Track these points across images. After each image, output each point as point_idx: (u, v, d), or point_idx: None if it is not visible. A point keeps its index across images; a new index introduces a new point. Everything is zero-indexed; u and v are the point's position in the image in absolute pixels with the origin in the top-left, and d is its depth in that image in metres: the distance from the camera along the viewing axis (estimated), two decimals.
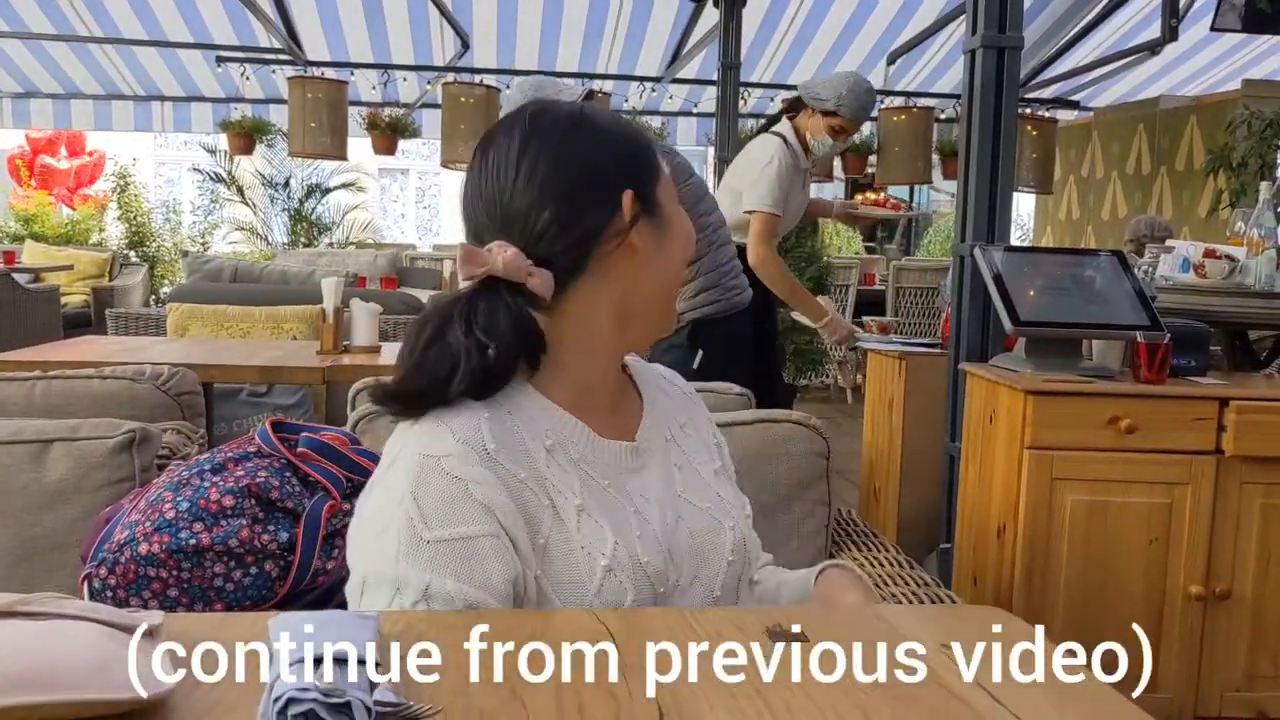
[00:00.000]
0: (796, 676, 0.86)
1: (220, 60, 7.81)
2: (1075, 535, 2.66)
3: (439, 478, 1.03)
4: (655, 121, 8.81)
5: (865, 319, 5.55)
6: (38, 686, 0.72)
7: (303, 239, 11.22)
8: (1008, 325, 2.74)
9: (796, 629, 0.96)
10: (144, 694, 0.75)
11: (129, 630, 0.83)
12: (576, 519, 1.07)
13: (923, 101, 8.41)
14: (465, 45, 7.49)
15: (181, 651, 0.86)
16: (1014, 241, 3.41)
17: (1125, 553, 2.68)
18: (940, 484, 3.42)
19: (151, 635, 0.85)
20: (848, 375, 8.14)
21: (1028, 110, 8.21)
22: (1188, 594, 2.68)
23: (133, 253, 10.50)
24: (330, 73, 7.69)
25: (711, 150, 7.27)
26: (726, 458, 1.34)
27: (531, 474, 1.07)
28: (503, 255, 1.07)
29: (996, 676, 0.87)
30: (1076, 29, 7.34)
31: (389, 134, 8.15)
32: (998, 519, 2.77)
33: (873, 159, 8.69)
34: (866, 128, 8.82)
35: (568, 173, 1.11)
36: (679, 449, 1.24)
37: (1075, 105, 8.76)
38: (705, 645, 0.92)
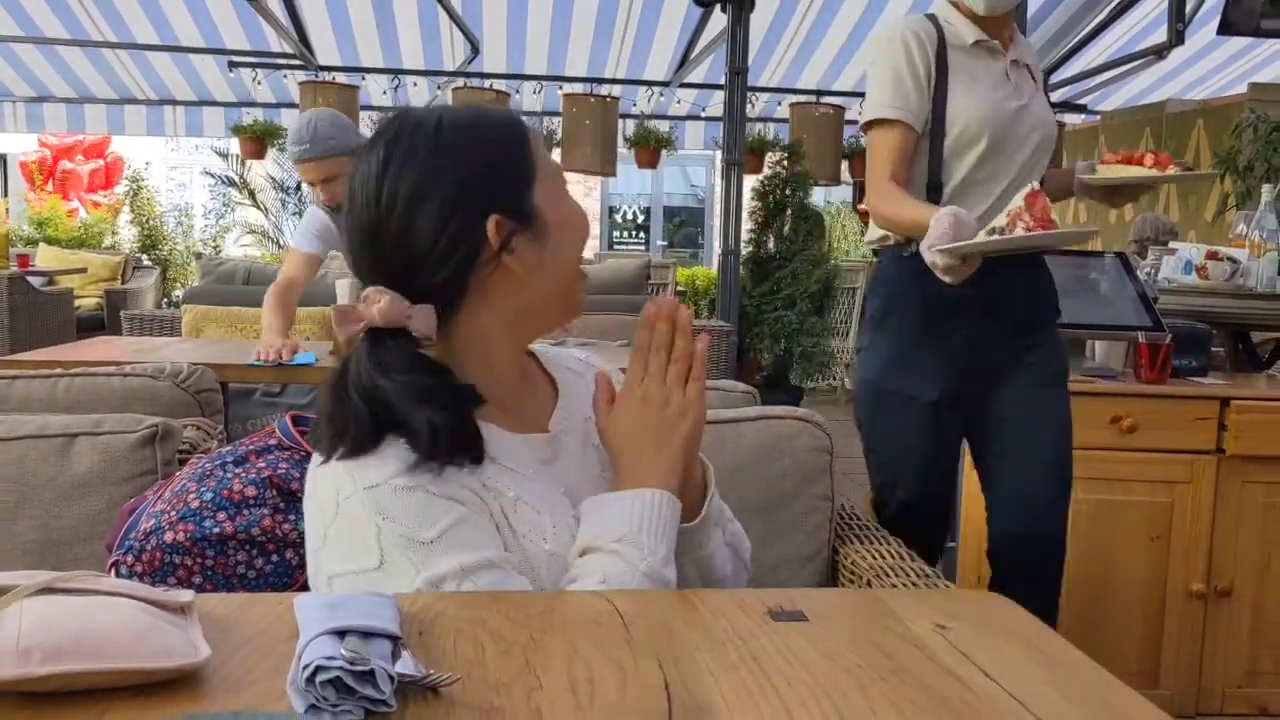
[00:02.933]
0: (796, 653, 0.90)
1: (232, 65, 7.88)
2: (1077, 533, 2.69)
3: (396, 495, 1.04)
4: (663, 125, 8.86)
5: None
6: (81, 655, 0.77)
7: None
8: None
9: (797, 609, 1.00)
10: (183, 662, 0.79)
11: (163, 606, 0.87)
12: (515, 510, 1.11)
13: None
14: (475, 50, 7.55)
15: (211, 627, 0.91)
16: None
17: (1127, 550, 2.71)
18: None
19: (183, 612, 0.89)
20: (854, 378, 8.17)
21: None
22: (1189, 591, 2.71)
23: (145, 256, 10.56)
24: (341, 77, 7.75)
25: (719, 154, 7.30)
26: None
27: (469, 479, 1.09)
28: (377, 305, 1.07)
29: (992, 657, 0.91)
30: (1083, 33, 7.37)
31: None
32: None
33: None
34: None
35: (428, 203, 1.08)
36: (593, 429, 1.23)
37: (1082, 109, 8.78)
38: (708, 623, 0.96)
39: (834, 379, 8.13)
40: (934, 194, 2.20)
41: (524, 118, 1.22)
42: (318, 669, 0.75)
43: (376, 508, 1.04)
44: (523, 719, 0.77)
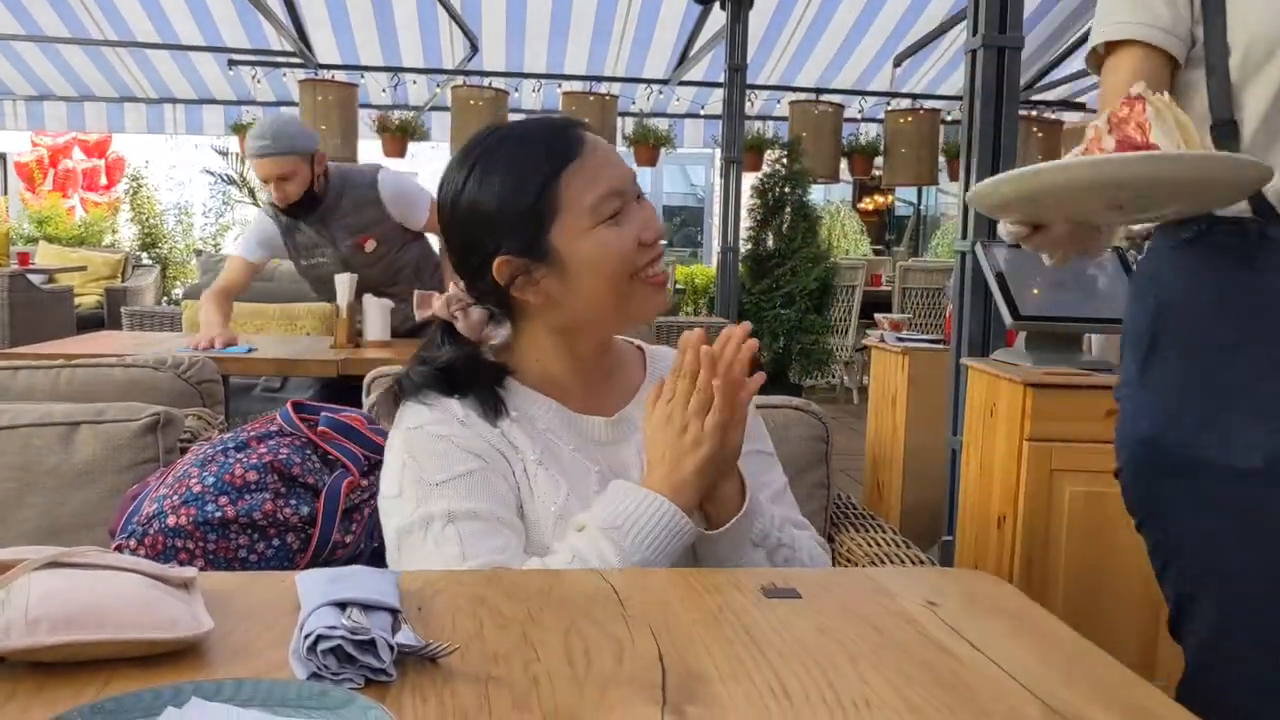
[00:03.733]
0: (789, 628, 0.91)
1: (232, 63, 7.89)
2: (1074, 525, 2.70)
3: (426, 440, 1.21)
4: (662, 124, 8.87)
5: (878, 316, 5.59)
6: (88, 626, 0.79)
7: None
8: (1008, 320, 2.80)
9: (790, 587, 1.02)
10: (187, 634, 0.81)
11: (167, 581, 0.89)
12: (535, 471, 1.22)
13: (930, 103, 8.45)
14: (474, 48, 7.56)
15: (214, 603, 0.92)
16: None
17: (1123, 542, 2.72)
18: (942, 477, 3.47)
19: (187, 587, 0.91)
20: (854, 375, 8.19)
21: (1033, 112, 8.25)
22: None
23: (145, 254, 10.58)
24: (340, 75, 7.76)
25: (718, 153, 7.32)
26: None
27: (499, 438, 1.23)
28: (440, 301, 1.29)
29: (979, 630, 0.93)
30: (1082, 31, 7.38)
31: (399, 137, 8.22)
32: (998, 510, 2.82)
33: (879, 160, 8.73)
34: (873, 129, 8.88)
35: (463, 225, 1.25)
36: None
37: (1081, 108, 8.79)
38: (704, 600, 0.98)
39: (833, 377, 8.14)
40: (1228, 139, 1.35)
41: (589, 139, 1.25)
42: (319, 638, 0.77)
43: (408, 447, 1.21)
44: (520, 688, 0.78)
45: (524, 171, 1.20)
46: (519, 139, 1.23)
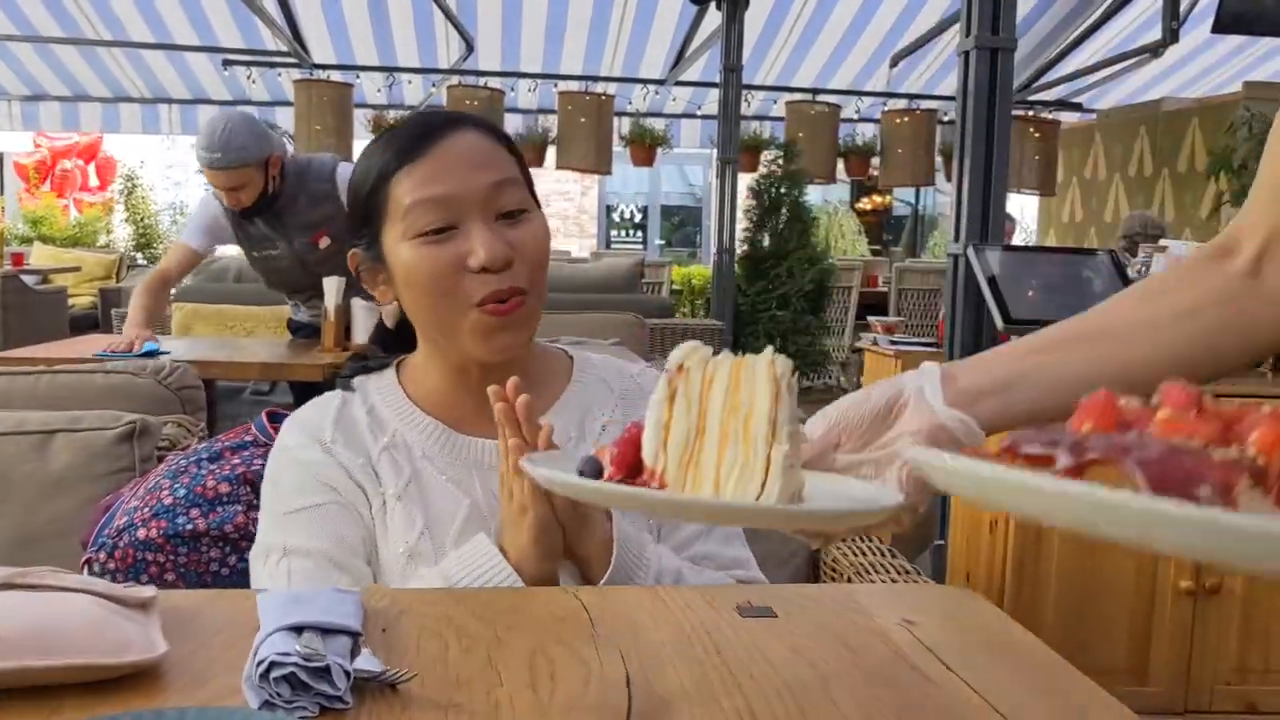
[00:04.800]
0: (762, 649, 0.89)
1: (227, 63, 7.87)
2: (1065, 532, 2.68)
3: (288, 464, 1.19)
4: (659, 124, 8.86)
5: (871, 319, 5.57)
6: (36, 650, 0.76)
7: None
8: (1000, 323, 2.78)
9: (766, 605, 0.99)
10: (138, 658, 0.79)
11: (123, 602, 0.87)
12: (392, 507, 1.16)
13: (926, 104, 8.44)
14: (469, 48, 7.54)
15: (174, 623, 0.90)
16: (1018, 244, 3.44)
17: (1116, 549, 2.70)
18: None
19: (144, 608, 0.89)
20: (850, 376, 8.17)
21: (1030, 112, 8.24)
22: (1178, 588, 2.71)
23: (140, 255, 10.55)
24: (336, 75, 7.75)
25: (715, 153, 7.30)
26: None
27: (365, 462, 1.18)
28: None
29: (956, 651, 0.91)
30: (1078, 31, 7.37)
31: None
32: (989, 515, 2.80)
33: (876, 161, 8.72)
34: (869, 130, 8.86)
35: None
36: (579, 448, 1.18)
37: (1078, 107, 8.78)
38: (676, 619, 0.96)
39: (829, 378, 8.12)
40: None
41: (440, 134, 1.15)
42: (272, 664, 0.74)
43: (273, 468, 1.20)
44: (481, 716, 0.76)
45: (371, 165, 1.17)
46: (393, 131, 1.20)
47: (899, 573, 1.57)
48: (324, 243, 3.36)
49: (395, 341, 1.29)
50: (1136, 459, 0.44)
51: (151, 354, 3.07)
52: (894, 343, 4.17)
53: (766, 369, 0.73)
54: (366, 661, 0.80)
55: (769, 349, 0.76)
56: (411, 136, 1.15)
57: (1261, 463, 0.45)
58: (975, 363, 0.88)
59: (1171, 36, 6.33)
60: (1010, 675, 0.87)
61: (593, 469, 0.76)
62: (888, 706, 0.79)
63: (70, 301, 7.74)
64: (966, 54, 3.24)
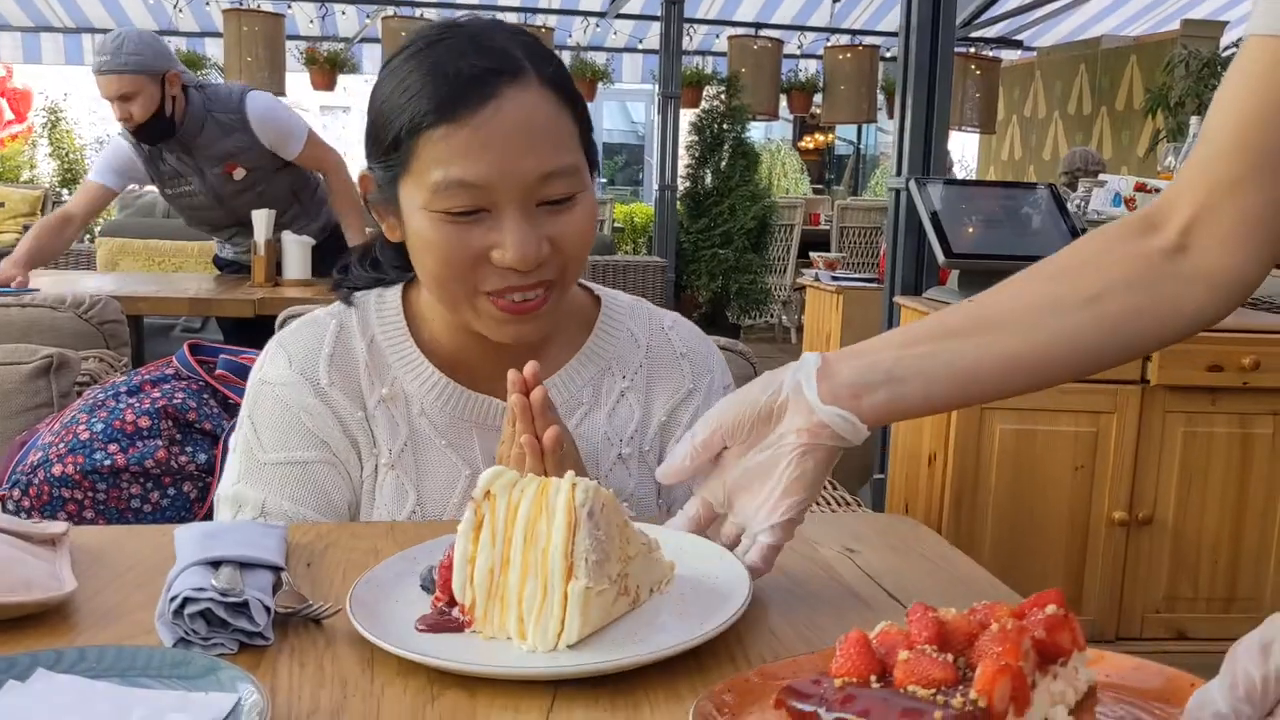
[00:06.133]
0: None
1: None
2: (1004, 463, 2.71)
3: (273, 405, 1.06)
4: (600, 58, 8.72)
5: (813, 255, 5.57)
6: None
7: None
8: (941, 258, 2.78)
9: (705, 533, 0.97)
10: (43, 596, 0.75)
11: (29, 539, 0.82)
12: (384, 475, 1.06)
13: (868, 39, 8.39)
14: None
15: (87, 560, 0.86)
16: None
17: (1052, 480, 2.74)
18: None
19: (53, 544, 0.84)
20: (792, 314, 8.19)
21: (972, 50, 8.22)
22: (1111, 519, 2.75)
23: (65, 191, 10.23)
24: (267, 5, 7.51)
25: (657, 88, 7.21)
26: (654, 442, 1.13)
27: (363, 416, 1.06)
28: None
29: (897, 577, 0.89)
30: None
31: (328, 69, 8.00)
32: (929, 448, 2.82)
33: (818, 98, 8.67)
34: (812, 65, 8.80)
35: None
36: (592, 416, 1.11)
37: (1019, 45, 8.78)
38: None
39: (771, 316, 8.14)
40: None
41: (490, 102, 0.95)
42: (186, 601, 0.71)
43: (254, 403, 1.07)
44: None
45: (401, 101, 0.97)
46: (433, 63, 0.96)
47: (839, 504, 1.56)
48: (238, 174, 3.20)
49: (403, 247, 1.06)
50: None
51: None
52: (835, 278, 4.16)
53: (565, 498, 0.72)
54: (288, 595, 0.76)
55: (570, 473, 0.75)
56: (457, 85, 0.94)
57: (984, 704, 0.52)
58: (861, 352, 0.83)
59: None
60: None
61: (431, 582, 0.78)
62: (829, 635, 0.77)
63: None
64: None
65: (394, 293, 1.11)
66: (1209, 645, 2.74)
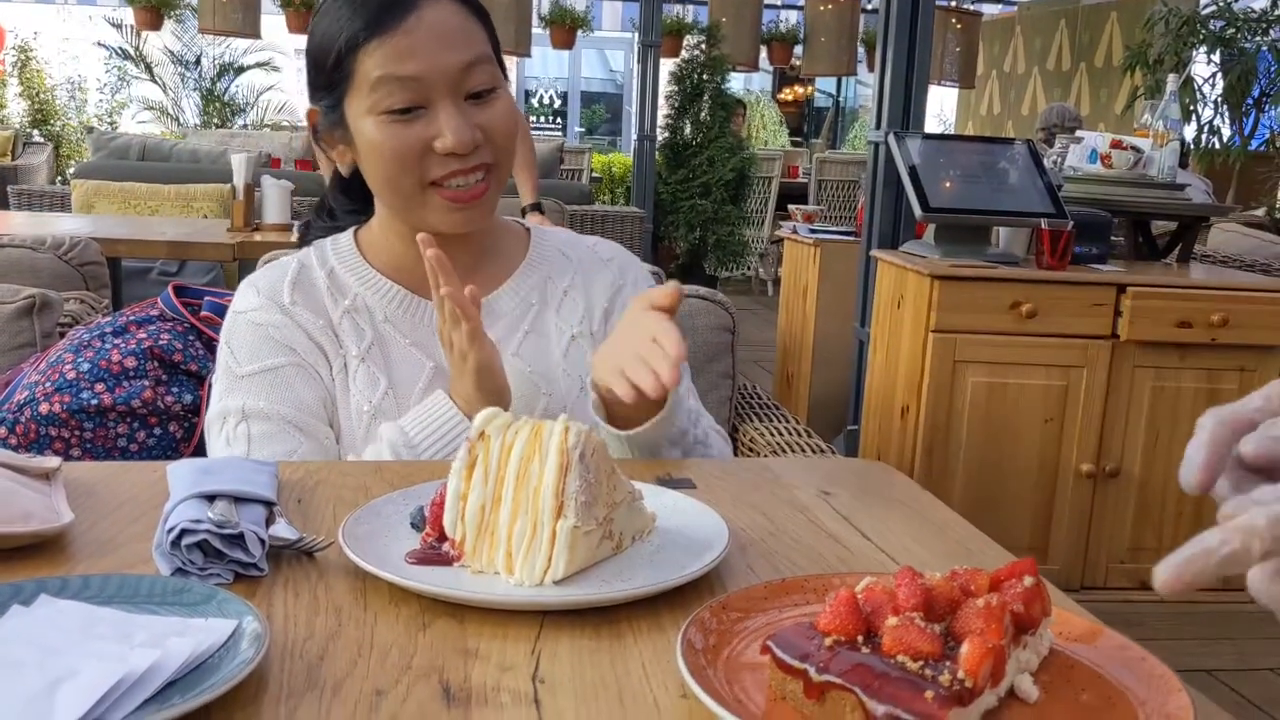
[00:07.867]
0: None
1: None
2: (975, 415, 2.75)
3: (245, 327, 1.16)
4: (580, 4, 8.63)
5: (790, 207, 5.57)
6: None
7: (215, 120, 10.87)
8: (918, 212, 2.80)
9: (686, 477, 1.00)
10: (41, 527, 0.76)
11: (25, 472, 0.84)
12: (355, 368, 1.16)
13: None
14: None
15: (80, 495, 0.88)
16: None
17: (1022, 432, 2.79)
18: (850, 368, 3.50)
19: (48, 478, 0.86)
20: (769, 267, 8.20)
21: (952, 3, 8.19)
22: (1079, 471, 2.81)
23: (36, 131, 10.09)
24: None
25: (636, 36, 7.15)
26: (600, 325, 1.26)
27: (326, 324, 1.17)
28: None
29: (870, 519, 0.92)
30: None
31: (303, 11, 7.87)
32: (902, 400, 2.85)
33: (799, 50, 8.63)
34: (793, 16, 8.75)
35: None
36: (543, 314, 1.23)
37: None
38: None
39: (748, 268, 8.15)
40: None
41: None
42: (183, 532, 0.73)
43: (228, 332, 1.17)
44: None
45: (336, 28, 1.11)
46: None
47: (815, 452, 1.59)
48: None
49: (351, 189, 1.24)
50: (866, 692, 0.55)
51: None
52: (813, 231, 4.18)
53: (558, 440, 0.75)
54: (282, 529, 0.79)
55: (563, 416, 0.78)
56: (383, 4, 1.09)
57: (970, 685, 0.54)
58: None
59: None
60: (926, 543, 0.88)
61: (421, 519, 0.82)
62: (804, 573, 0.80)
63: None
64: None
65: (346, 235, 1.25)
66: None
